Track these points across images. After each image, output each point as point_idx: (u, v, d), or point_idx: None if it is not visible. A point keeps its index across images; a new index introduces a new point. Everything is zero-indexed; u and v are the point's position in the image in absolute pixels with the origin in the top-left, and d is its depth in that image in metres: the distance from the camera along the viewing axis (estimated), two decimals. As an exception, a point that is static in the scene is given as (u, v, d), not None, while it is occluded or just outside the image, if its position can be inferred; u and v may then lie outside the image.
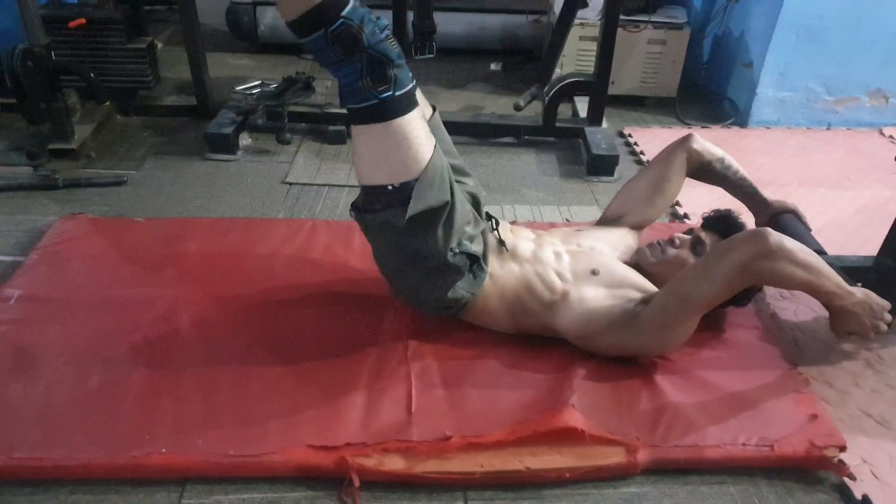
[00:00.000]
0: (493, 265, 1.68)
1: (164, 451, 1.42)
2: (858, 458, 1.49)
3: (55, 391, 1.56)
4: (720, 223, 1.78)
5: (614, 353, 1.66)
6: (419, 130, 1.46)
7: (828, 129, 3.25)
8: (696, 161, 1.89)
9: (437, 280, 1.62)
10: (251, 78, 3.25)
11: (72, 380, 1.60)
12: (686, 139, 1.90)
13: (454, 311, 1.71)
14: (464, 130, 3.02)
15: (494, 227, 1.74)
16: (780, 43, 3.03)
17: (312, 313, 1.85)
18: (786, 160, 2.90)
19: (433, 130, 1.60)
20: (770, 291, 2.01)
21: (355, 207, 1.60)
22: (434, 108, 1.77)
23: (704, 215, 1.86)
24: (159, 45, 3.56)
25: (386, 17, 2.82)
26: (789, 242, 1.49)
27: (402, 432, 1.48)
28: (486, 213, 1.77)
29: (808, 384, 1.64)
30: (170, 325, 1.79)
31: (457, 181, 1.65)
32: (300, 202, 2.53)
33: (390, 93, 1.39)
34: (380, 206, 1.51)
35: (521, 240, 1.76)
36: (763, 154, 2.92)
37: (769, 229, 1.50)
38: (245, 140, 2.91)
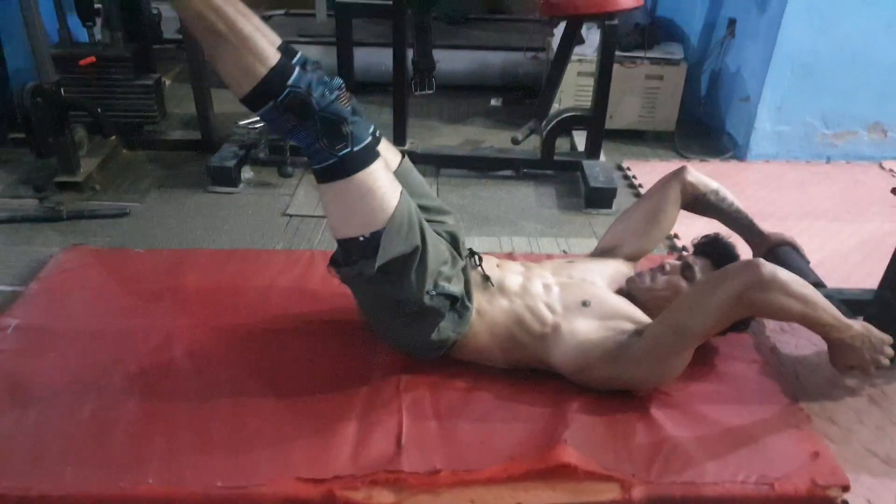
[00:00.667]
0: (480, 301, 1.68)
1: (151, 481, 1.40)
2: (863, 498, 1.44)
3: (46, 421, 1.55)
4: (710, 247, 1.78)
5: (609, 386, 1.64)
6: (382, 181, 1.48)
7: (827, 162, 3.26)
8: (690, 193, 1.89)
9: (419, 324, 1.61)
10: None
11: (63, 410, 1.59)
12: (680, 171, 1.90)
13: (443, 351, 1.69)
14: (463, 164, 3.04)
15: (478, 262, 1.74)
16: (776, 77, 3.06)
17: (306, 345, 1.85)
18: (785, 193, 2.90)
19: (403, 176, 1.65)
20: (770, 324, 1.99)
21: (334, 262, 1.63)
22: (403, 155, 1.79)
23: (694, 241, 1.85)
24: (167, 82, 3.63)
25: (387, 55, 2.92)
26: (783, 274, 1.48)
27: (391, 463, 1.46)
28: (470, 250, 1.76)
29: (809, 420, 1.61)
30: (165, 355, 1.79)
31: (434, 221, 1.67)
32: (299, 233, 2.54)
33: (348, 149, 1.43)
34: (355, 256, 1.52)
35: (509, 273, 1.75)
36: (762, 187, 2.93)
37: (762, 260, 1.49)
38: (247, 173, 2.94)
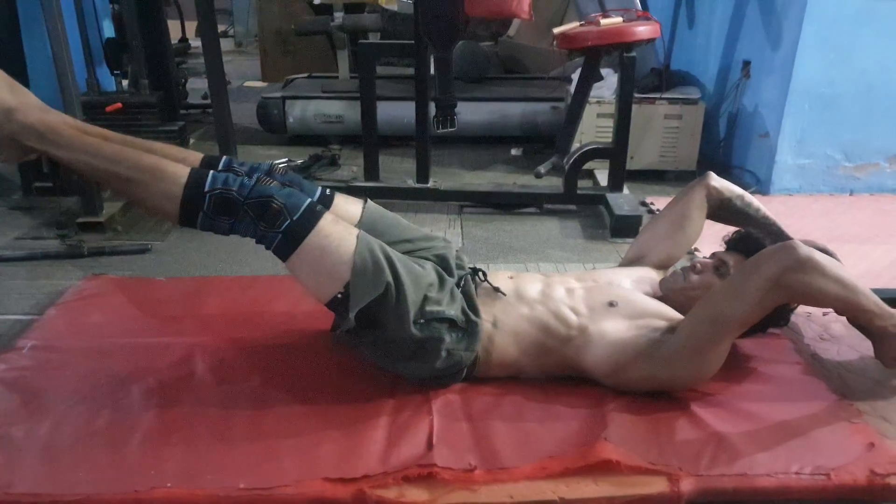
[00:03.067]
0: (495, 313, 1.62)
1: (169, 485, 1.34)
2: (926, 490, 1.35)
3: (60, 430, 1.51)
4: (742, 243, 1.72)
5: (645, 387, 1.57)
6: (332, 235, 1.48)
7: (851, 195, 3.23)
8: (715, 198, 1.87)
9: (423, 356, 1.56)
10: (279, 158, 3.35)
11: (79, 419, 1.54)
12: (704, 177, 1.88)
13: (465, 372, 1.63)
14: (485, 200, 3.05)
15: (483, 278, 1.70)
16: (794, 111, 3.08)
17: (331, 355, 1.80)
18: (812, 221, 2.86)
19: (372, 220, 1.68)
20: (809, 332, 1.91)
21: (334, 329, 1.64)
22: (365, 200, 1.79)
23: (725, 238, 1.81)
24: (191, 140, 3.72)
25: (408, 108, 2.98)
26: (820, 256, 1.43)
27: (423, 460, 1.38)
28: (472, 268, 1.72)
29: (860, 415, 1.53)
30: (184, 369, 1.75)
31: (420, 249, 1.67)
32: (322, 264, 2.52)
33: (288, 221, 1.45)
34: (345, 314, 1.51)
35: (527, 282, 1.70)
36: (788, 217, 2.86)
37: (798, 241, 1.45)
38: (269, 212, 2.95)
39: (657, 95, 3.39)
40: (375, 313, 1.51)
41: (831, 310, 1.71)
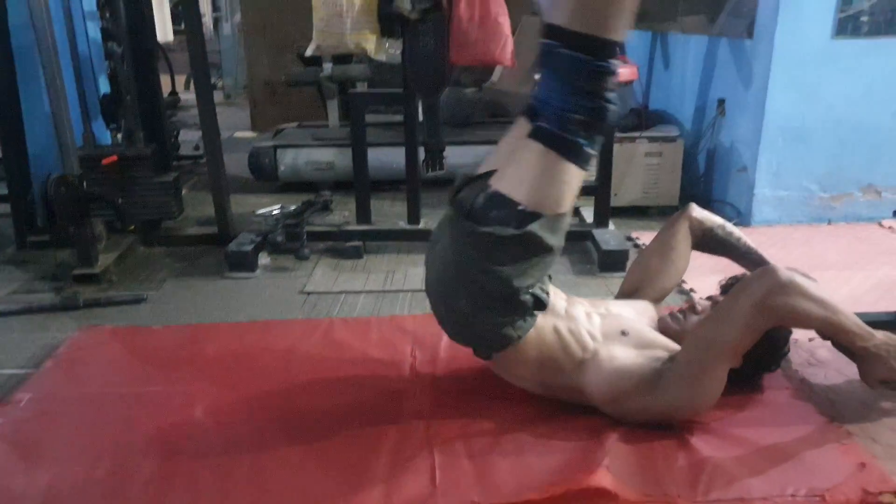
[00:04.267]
0: (538, 317, 1.65)
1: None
2: (918, 507, 1.39)
3: (60, 482, 1.52)
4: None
5: (645, 416, 1.61)
6: (575, 187, 1.52)
7: (829, 224, 3.32)
8: (698, 229, 1.93)
9: (498, 312, 1.57)
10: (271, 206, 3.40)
11: (78, 470, 1.56)
12: (686, 209, 1.96)
13: (495, 349, 1.64)
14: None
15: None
16: (769, 146, 3.18)
17: (330, 399, 1.83)
18: (793, 250, 2.94)
19: None
20: (797, 359, 1.96)
21: (460, 205, 1.58)
22: None
23: (722, 283, 1.87)
24: (185, 191, 3.76)
25: (398, 154, 3.06)
26: (801, 278, 1.50)
27: (426, 502, 1.40)
28: None
29: (849, 436, 1.57)
30: (184, 415, 1.77)
31: None
32: (317, 308, 2.56)
33: (586, 143, 1.47)
34: (496, 213, 1.50)
35: (556, 297, 1.73)
36: (770, 247, 2.93)
37: (779, 265, 1.51)
38: (264, 259, 2.99)
39: (637, 134, 3.50)
40: (521, 250, 1.51)
41: (816, 335, 1.76)
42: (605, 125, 1.48)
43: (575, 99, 1.44)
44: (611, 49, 1.42)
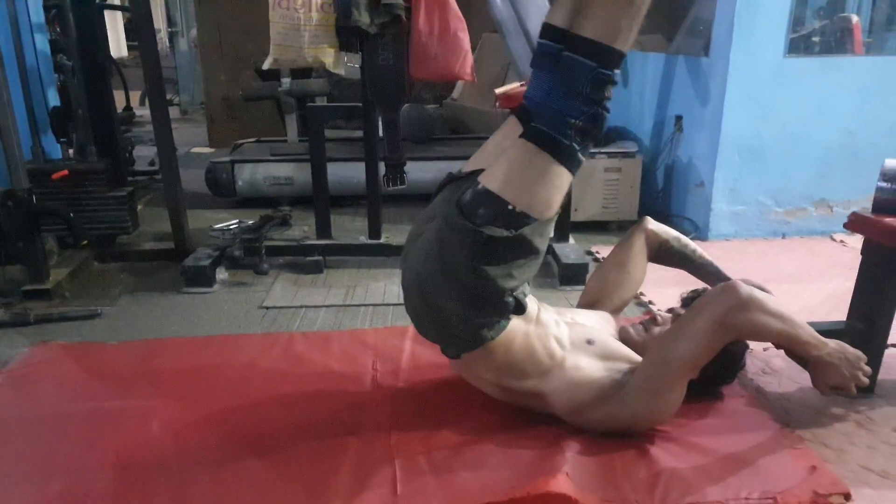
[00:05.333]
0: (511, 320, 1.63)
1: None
2: (868, 509, 1.42)
3: (9, 500, 1.46)
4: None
5: (606, 427, 1.61)
6: (563, 191, 1.51)
7: (783, 238, 3.41)
8: (654, 241, 1.96)
9: (479, 311, 1.55)
10: (229, 221, 3.36)
11: (30, 490, 1.50)
12: (641, 221, 1.99)
13: (466, 348, 1.62)
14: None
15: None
16: (725, 162, 3.27)
17: (290, 412, 1.80)
18: (749, 263, 3.01)
19: None
20: (752, 368, 2.00)
21: (447, 201, 1.56)
22: None
23: (683, 296, 1.90)
24: (140, 206, 3.70)
25: (357, 169, 3.06)
26: (760, 293, 1.52)
27: (388, 513, 1.39)
28: None
29: (802, 441, 1.61)
30: (140, 432, 1.72)
31: None
32: (276, 323, 2.52)
33: (579, 147, 1.46)
34: (483, 211, 1.47)
35: (529, 303, 1.69)
36: (726, 260, 2.99)
37: (739, 282, 1.53)
38: (222, 274, 2.95)
39: (597, 150, 3.55)
40: (509, 250, 1.49)
41: (771, 345, 1.80)
42: (600, 133, 1.48)
43: (576, 104, 1.44)
44: (618, 59, 1.43)
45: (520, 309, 1.58)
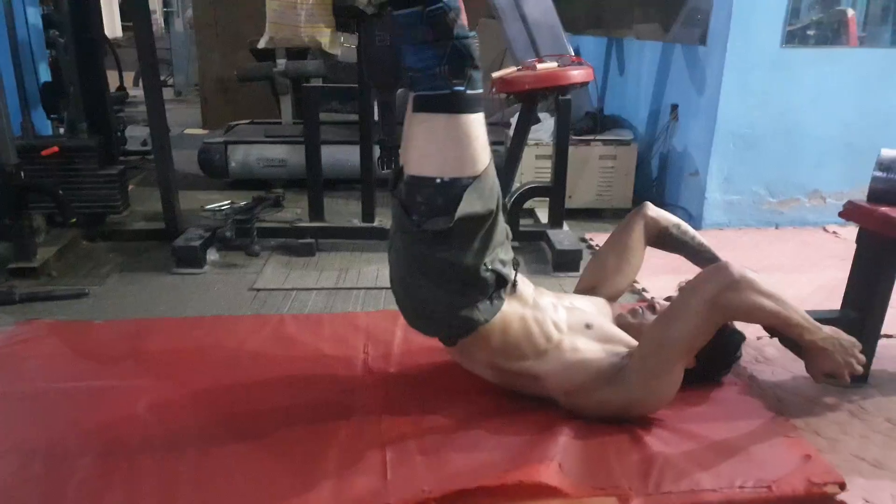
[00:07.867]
0: (505, 303, 1.61)
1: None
2: (860, 498, 1.43)
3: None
4: None
5: (601, 411, 1.60)
6: (481, 134, 1.46)
7: (776, 228, 3.41)
8: (653, 227, 1.95)
9: (460, 295, 1.54)
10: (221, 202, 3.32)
11: (11, 468, 1.47)
12: (641, 207, 1.96)
13: (461, 334, 1.60)
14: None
15: (516, 266, 1.68)
16: (720, 151, 3.26)
17: (280, 394, 1.78)
18: (742, 253, 3.00)
19: None
20: (746, 356, 1.99)
21: (397, 195, 1.54)
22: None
23: (681, 284, 1.88)
24: (131, 187, 3.65)
25: (352, 152, 3.03)
26: (752, 273, 1.51)
27: (377, 497, 1.37)
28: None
29: (795, 430, 1.60)
30: (126, 411, 1.69)
31: None
32: (267, 305, 2.50)
33: (462, 88, 1.42)
34: (420, 199, 1.46)
35: (524, 284, 1.70)
36: (719, 250, 2.98)
37: (730, 262, 1.52)
38: (213, 255, 2.92)
39: (592, 137, 3.54)
40: (462, 230, 1.46)
41: (765, 334, 1.79)
42: (472, 59, 1.43)
43: (429, 52, 1.41)
44: None
45: (501, 281, 1.56)
